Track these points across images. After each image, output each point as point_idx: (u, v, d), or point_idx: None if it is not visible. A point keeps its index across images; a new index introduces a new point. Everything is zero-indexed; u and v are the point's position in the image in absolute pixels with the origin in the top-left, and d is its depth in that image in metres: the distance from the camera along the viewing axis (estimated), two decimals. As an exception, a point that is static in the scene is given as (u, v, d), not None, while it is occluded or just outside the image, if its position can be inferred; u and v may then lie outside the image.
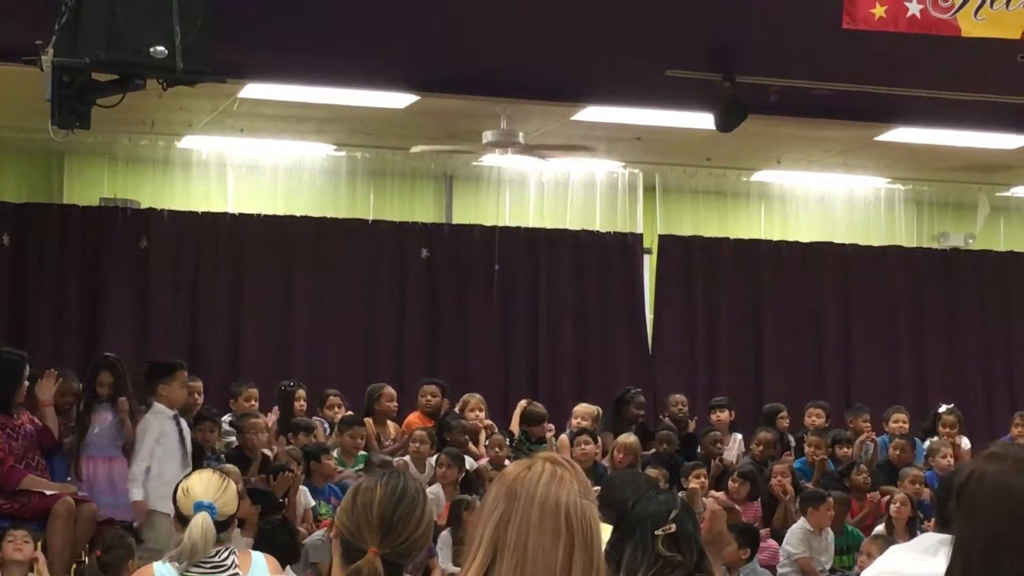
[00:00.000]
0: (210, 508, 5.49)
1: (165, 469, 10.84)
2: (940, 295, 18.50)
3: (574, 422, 13.92)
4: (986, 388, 18.42)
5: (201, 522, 5.42)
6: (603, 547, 3.19)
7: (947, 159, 16.64)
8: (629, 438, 13.51)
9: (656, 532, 4.70)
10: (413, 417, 13.84)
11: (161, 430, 11.14)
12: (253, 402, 13.23)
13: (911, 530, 11.76)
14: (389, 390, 13.87)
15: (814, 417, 14.90)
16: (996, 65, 12.37)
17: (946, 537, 4.07)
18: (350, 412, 13.55)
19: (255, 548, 6.16)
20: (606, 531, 5.12)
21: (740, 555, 11.61)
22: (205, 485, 5.62)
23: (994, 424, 16.90)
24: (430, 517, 3.94)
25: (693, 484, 12.65)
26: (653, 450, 13.95)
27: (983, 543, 3.04)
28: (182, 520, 5.55)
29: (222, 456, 12.08)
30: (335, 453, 12.74)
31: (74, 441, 11.42)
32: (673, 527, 4.71)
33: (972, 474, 3.14)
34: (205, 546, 5.40)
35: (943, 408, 15.21)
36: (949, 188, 18.37)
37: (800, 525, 12.64)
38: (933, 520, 4.32)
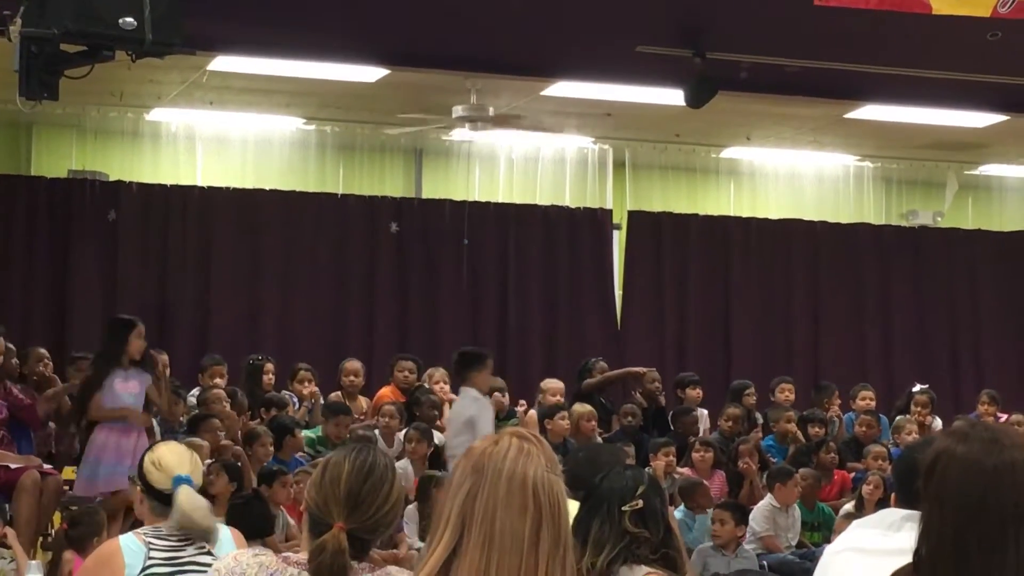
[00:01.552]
0: (189, 480, 5.46)
1: None
2: (908, 273, 18.56)
3: (549, 399, 13.89)
4: (953, 366, 18.50)
5: (188, 496, 5.38)
6: (570, 522, 3.20)
7: (916, 137, 16.68)
8: (583, 407, 13.53)
9: (623, 508, 4.71)
10: (385, 391, 13.82)
11: (476, 414, 11.53)
12: (221, 378, 13.20)
13: (881, 509, 11.77)
14: (350, 364, 13.83)
15: (787, 393, 14.94)
16: (966, 43, 12.42)
17: (909, 513, 4.10)
18: (316, 389, 13.52)
19: (228, 524, 6.11)
20: (573, 507, 5.15)
21: (736, 533, 11.63)
22: (178, 457, 5.58)
23: (960, 402, 16.99)
24: (399, 493, 3.94)
25: (661, 462, 12.67)
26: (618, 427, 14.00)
27: (952, 526, 3.02)
28: (154, 494, 5.49)
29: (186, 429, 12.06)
30: (314, 432, 12.72)
31: (68, 407, 11.47)
32: (640, 503, 4.72)
33: (940, 455, 3.10)
34: (201, 517, 5.36)
35: (917, 388, 15.27)
36: (918, 166, 18.43)
37: (767, 502, 12.67)
38: (893, 495, 4.32)
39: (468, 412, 11.64)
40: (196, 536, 5.34)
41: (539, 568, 3.08)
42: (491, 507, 3.08)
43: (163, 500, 5.42)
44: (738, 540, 11.68)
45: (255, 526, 9.44)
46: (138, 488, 5.55)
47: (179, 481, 5.41)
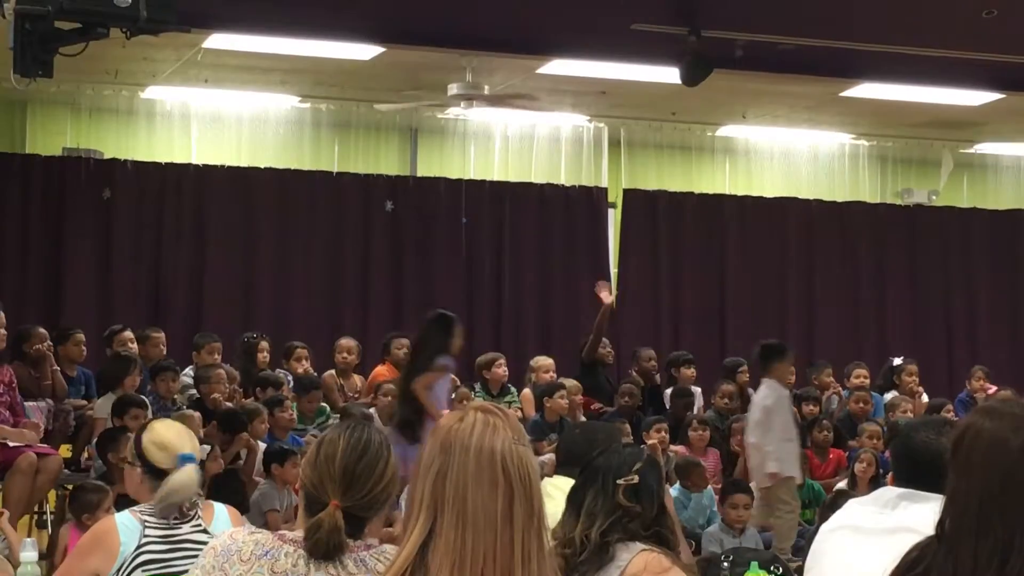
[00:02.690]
0: (192, 459, 5.45)
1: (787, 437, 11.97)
2: (903, 251, 18.57)
3: (542, 376, 13.87)
4: (947, 343, 18.52)
5: (188, 475, 5.37)
6: (542, 493, 3.19)
7: (912, 115, 16.67)
8: (569, 381, 13.54)
9: (618, 481, 4.71)
10: (382, 369, 13.80)
11: (773, 404, 11.96)
12: (217, 355, 13.19)
13: (874, 487, 11.79)
14: (345, 342, 13.82)
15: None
16: (961, 21, 12.40)
17: (905, 491, 4.11)
18: (309, 367, 13.53)
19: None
20: (567, 483, 5.14)
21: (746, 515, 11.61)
22: (179, 436, 5.56)
23: (954, 379, 17.02)
24: (394, 471, 3.93)
25: (653, 438, 12.66)
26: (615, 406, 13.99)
27: (977, 500, 3.04)
28: (156, 473, 5.47)
29: (182, 408, 12.04)
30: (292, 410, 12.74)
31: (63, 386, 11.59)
32: (636, 478, 4.72)
33: (968, 429, 3.14)
34: (187, 495, 5.35)
35: (898, 361, 15.28)
36: (913, 145, 18.43)
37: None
38: (891, 475, 4.33)
39: (766, 402, 12.04)
40: (169, 511, 5.33)
41: (514, 542, 3.07)
42: (462, 485, 3.07)
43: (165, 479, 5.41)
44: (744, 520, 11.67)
45: (227, 501, 9.45)
46: (137, 469, 5.53)
47: (185, 460, 5.41)
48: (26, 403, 11.41)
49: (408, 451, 10.87)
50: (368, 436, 3.91)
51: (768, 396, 12.09)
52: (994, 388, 14.98)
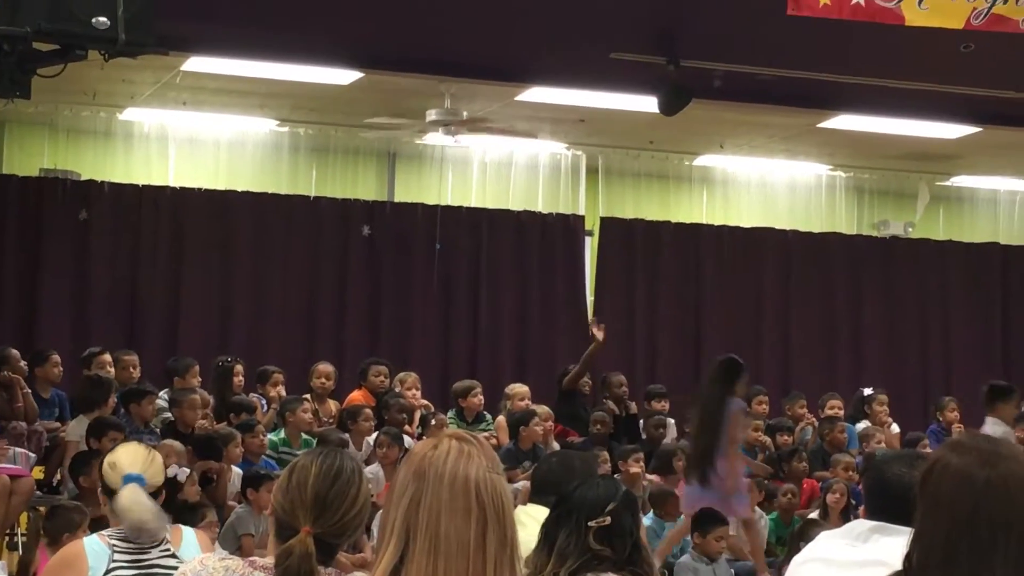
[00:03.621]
0: (139, 479, 5.43)
1: None
2: (879, 283, 18.60)
3: (517, 403, 13.86)
4: (922, 376, 18.53)
5: (130, 494, 5.35)
6: (516, 521, 3.18)
7: (889, 147, 16.72)
8: (541, 408, 13.54)
9: (590, 523, 4.68)
10: (357, 394, 13.80)
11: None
12: (197, 380, 13.17)
13: (845, 517, 11.82)
14: (322, 367, 13.82)
15: (762, 405, 14.95)
16: (939, 54, 12.45)
17: (877, 524, 4.11)
18: (282, 392, 13.51)
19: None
20: (542, 512, 5.13)
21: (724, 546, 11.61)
22: (132, 457, 5.56)
23: (929, 411, 17.02)
24: (366, 497, 3.92)
25: (633, 469, 12.64)
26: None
27: (944, 534, 3.05)
28: (109, 493, 5.48)
29: (156, 431, 12.02)
30: (281, 434, 12.70)
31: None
32: (607, 519, 4.70)
33: (936, 463, 3.15)
34: (148, 516, 5.34)
35: (869, 391, 15.32)
36: (890, 176, 18.48)
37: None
38: (863, 507, 4.33)
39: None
40: (144, 537, 5.31)
41: (486, 570, 3.06)
42: (435, 512, 3.07)
43: None
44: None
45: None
46: (99, 490, 5.53)
47: (128, 480, 5.39)
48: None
49: (703, 494, 11.02)
50: (340, 462, 3.90)
51: (994, 432, 12.05)
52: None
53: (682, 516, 11.96)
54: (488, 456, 3.18)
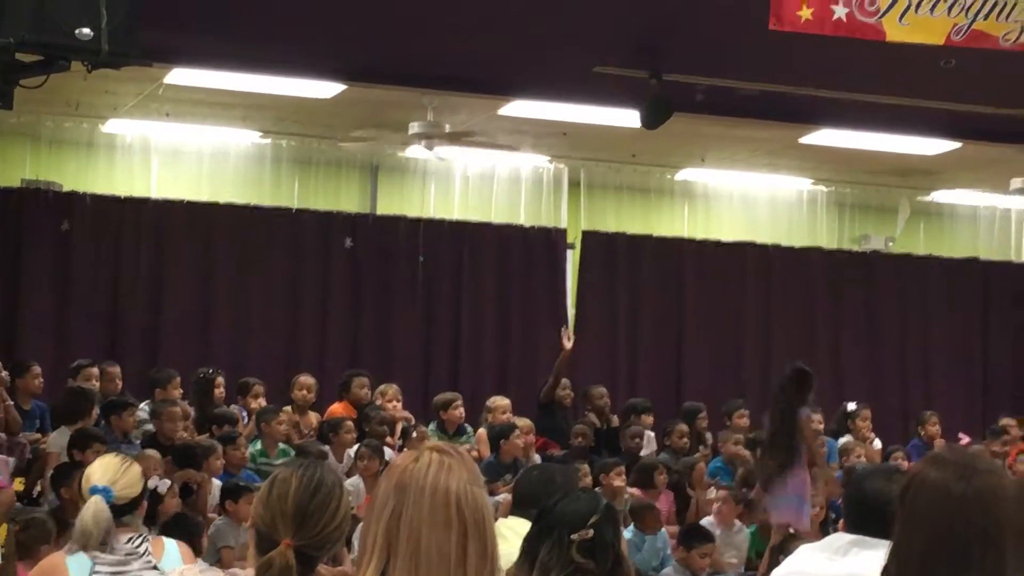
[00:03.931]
0: (105, 492, 5.41)
1: None
2: (860, 297, 18.63)
3: (499, 416, 13.87)
4: (902, 390, 18.56)
5: (92, 506, 5.34)
6: (496, 534, 3.19)
7: (870, 162, 16.76)
8: (522, 421, 13.56)
9: (572, 536, 4.68)
10: (337, 407, 13.80)
11: None
12: (178, 392, 13.16)
13: (824, 531, 11.85)
14: (304, 379, 13.82)
15: (744, 419, 14.97)
16: (920, 70, 12.49)
17: (856, 538, 4.13)
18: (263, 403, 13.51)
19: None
20: (523, 525, 5.13)
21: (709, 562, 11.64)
22: (104, 469, 5.55)
23: (909, 425, 17.05)
24: (346, 509, 3.92)
25: (616, 483, 12.65)
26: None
27: (921, 547, 3.07)
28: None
29: (136, 442, 12.01)
30: (257, 445, 12.69)
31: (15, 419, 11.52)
32: (590, 533, 4.69)
33: (914, 478, 3.17)
34: (98, 531, 5.32)
35: (852, 406, 15.34)
36: (871, 191, 18.51)
37: (708, 520, 12.68)
38: (843, 520, 4.35)
39: None
40: (91, 547, 5.30)
41: None
42: (416, 525, 3.07)
43: None
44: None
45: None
46: (80, 502, 5.53)
47: (93, 491, 5.39)
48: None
49: (783, 502, 11.11)
50: (321, 475, 3.90)
51: None
52: (966, 439, 15.07)
53: (718, 529, 12.04)
54: (469, 469, 3.19)
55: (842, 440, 14.80)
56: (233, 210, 16.41)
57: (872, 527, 4.04)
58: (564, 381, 14.57)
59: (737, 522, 12.77)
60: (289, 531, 3.78)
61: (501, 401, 14.15)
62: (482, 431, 13.87)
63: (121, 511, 5.48)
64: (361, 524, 10.17)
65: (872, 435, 15.05)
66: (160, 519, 9.83)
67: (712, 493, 13.19)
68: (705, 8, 11.49)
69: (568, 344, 14.37)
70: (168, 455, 11.48)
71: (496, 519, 3.70)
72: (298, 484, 3.85)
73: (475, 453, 13.27)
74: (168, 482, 10.49)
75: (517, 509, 6.02)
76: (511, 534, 5.19)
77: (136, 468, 5.70)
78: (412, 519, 3.08)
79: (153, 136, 16.11)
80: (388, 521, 3.10)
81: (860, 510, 4.19)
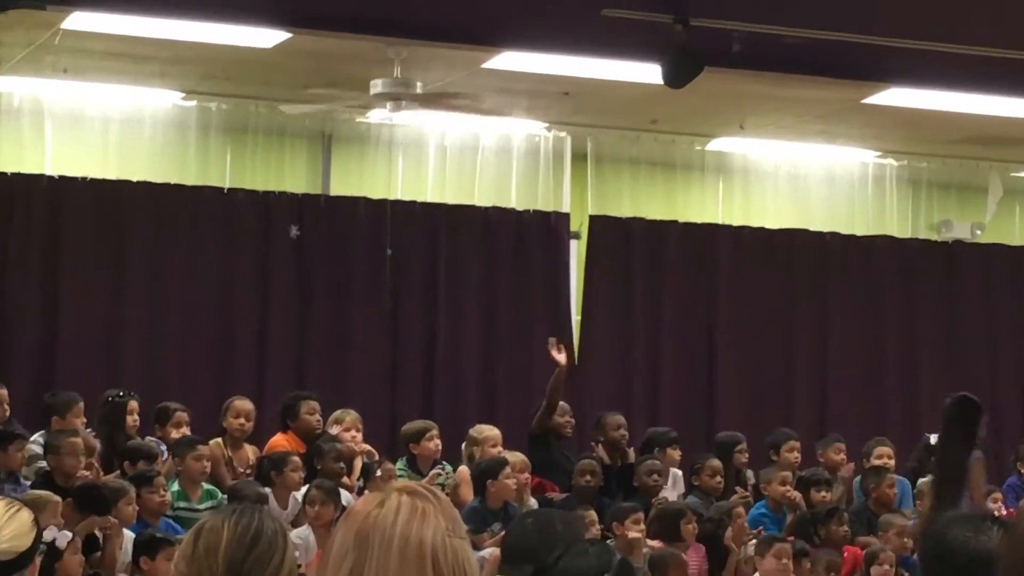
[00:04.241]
0: None
1: None
2: (939, 298, 18.64)
3: (489, 450, 13.87)
4: (993, 415, 18.53)
5: None
6: None
7: (951, 129, 16.78)
8: (515, 456, 13.57)
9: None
10: (281, 439, 13.80)
11: None
12: (82, 420, 13.15)
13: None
14: (240, 403, 13.81)
15: (794, 453, 14.99)
16: (1015, 13, 12.50)
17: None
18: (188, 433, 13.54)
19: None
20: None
21: None
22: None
23: (1002, 461, 17.08)
24: (292, 566, 3.93)
25: (633, 534, 12.66)
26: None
27: None
28: None
29: (25, 483, 12.00)
30: (174, 485, 12.69)
31: None
32: (602, 596, 4.71)
33: (1018, 529, 3.16)
34: None
35: (936, 438, 15.31)
36: (953, 166, 18.53)
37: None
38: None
39: None
40: None
41: None
42: None
43: None
44: None
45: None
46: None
47: None
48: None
49: None
50: (259, 523, 3.90)
51: None
52: None
53: None
54: (447, 515, 3.19)
55: (922, 480, 14.79)
56: (148, 190, 16.40)
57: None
58: (562, 406, 14.56)
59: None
60: (221, 593, 3.78)
61: (490, 432, 14.16)
62: (464, 469, 13.87)
63: (5, 571, 5.47)
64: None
65: (964, 478, 15.02)
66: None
67: (751, 548, 13.21)
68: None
69: (561, 359, 14.38)
70: (67, 498, 11.46)
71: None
72: (231, 535, 3.84)
73: (457, 496, 13.29)
74: (69, 534, 10.49)
75: (508, 565, 6.03)
76: (500, 599, 5.20)
77: (26, 515, 5.69)
78: (376, 579, 3.08)
79: (47, 97, 16.10)
80: (347, 581, 3.10)
81: (941, 568, 4.19)
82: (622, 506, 13.18)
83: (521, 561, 5.60)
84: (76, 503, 11.45)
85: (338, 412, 14.15)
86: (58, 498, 11.11)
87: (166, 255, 16.41)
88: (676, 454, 14.83)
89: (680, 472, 14.71)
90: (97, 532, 11.46)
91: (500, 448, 13.93)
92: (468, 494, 13.46)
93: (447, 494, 12.99)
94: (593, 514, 12.73)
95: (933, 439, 15.05)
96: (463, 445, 14.26)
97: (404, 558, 3.09)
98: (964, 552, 4.12)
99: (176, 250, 16.45)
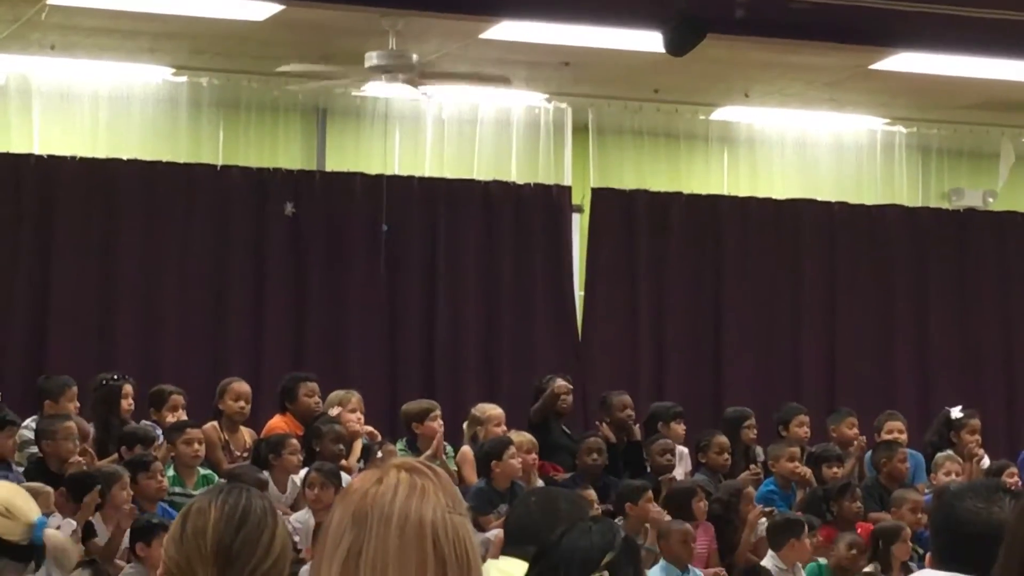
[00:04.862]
0: (46, 525, 5.49)
1: None
2: (950, 268, 18.64)
3: (492, 429, 13.87)
4: (1007, 389, 18.56)
5: (65, 541, 5.39)
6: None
7: (961, 95, 16.77)
8: (521, 436, 13.56)
9: (583, 580, 4.68)
10: (279, 420, 13.79)
11: None
12: (74, 405, 13.15)
13: (907, 569, 11.88)
14: (238, 386, 13.80)
15: (803, 428, 14.98)
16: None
17: (946, 575, 4.12)
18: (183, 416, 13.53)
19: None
20: (518, 568, 5.13)
21: None
22: (27, 499, 5.60)
23: (1016, 434, 17.08)
24: (284, 543, 3.91)
25: (654, 512, 12.66)
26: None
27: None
28: (10, 551, 5.47)
29: (17, 470, 12.00)
30: (169, 470, 12.69)
31: None
32: (606, 575, 4.69)
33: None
34: (71, 564, 5.38)
35: (957, 411, 15.30)
36: (963, 132, 18.52)
37: (769, 561, 12.70)
38: (929, 553, 4.35)
39: None
40: None
41: None
42: (380, 566, 3.06)
43: (16, 555, 5.41)
44: None
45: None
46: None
47: (41, 525, 5.42)
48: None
49: None
50: (247, 502, 3.89)
51: None
52: None
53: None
54: (447, 492, 3.17)
55: (940, 454, 14.77)
56: (139, 168, 16.41)
57: (968, 560, 4.04)
58: (560, 384, 14.53)
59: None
60: (210, 574, 3.77)
61: (493, 411, 14.15)
62: (466, 449, 13.86)
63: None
64: (309, 567, 10.17)
65: (981, 451, 15.00)
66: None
67: (763, 524, 13.21)
68: None
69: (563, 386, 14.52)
70: (61, 486, 11.47)
71: (485, 560, 3.68)
72: (218, 516, 3.84)
73: (456, 476, 13.29)
74: (73, 523, 10.52)
75: (511, 547, 6.02)
76: (503, 580, 5.19)
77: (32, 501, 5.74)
78: (375, 558, 3.07)
79: (35, 75, 16.10)
80: (344, 562, 3.09)
81: (952, 539, 4.18)
82: (633, 484, 13.18)
83: (524, 542, 5.59)
84: (70, 492, 11.45)
85: (340, 392, 14.13)
86: (50, 488, 11.10)
87: (158, 235, 16.41)
88: (680, 428, 14.81)
89: (686, 449, 14.69)
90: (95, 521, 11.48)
91: (504, 428, 13.92)
92: (471, 475, 13.46)
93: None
94: (593, 493, 12.72)
95: (954, 413, 15.09)
96: (464, 425, 14.25)
97: (403, 536, 3.08)
98: (975, 523, 4.11)
99: (169, 229, 16.45)
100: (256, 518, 3.86)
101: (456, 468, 13.67)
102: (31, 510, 5.51)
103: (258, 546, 3.84)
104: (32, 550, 5.46)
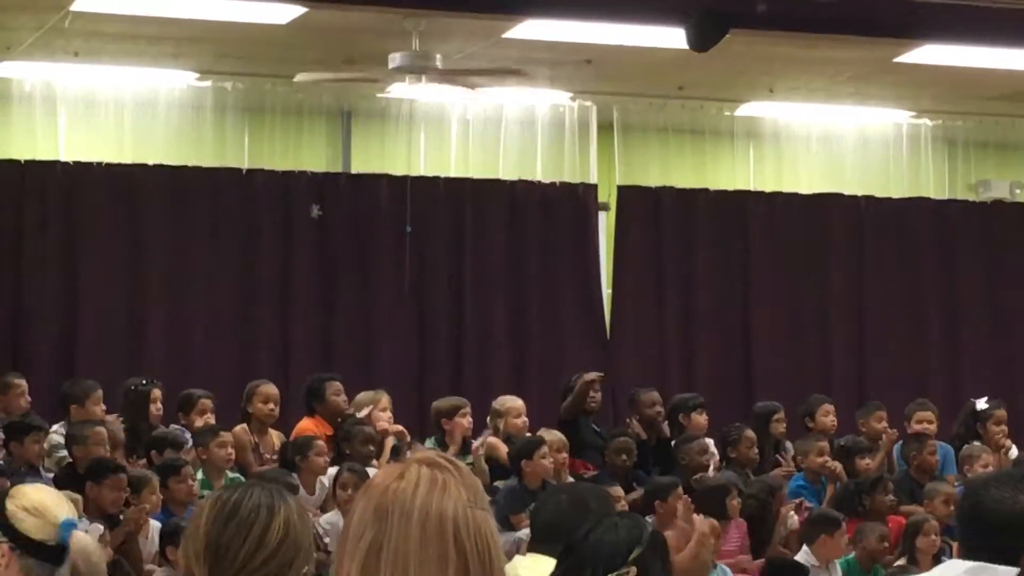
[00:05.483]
0: (75, 526, 5.48)
1: None
2: (978, 259, 18.60)
3: (515, 422, 13.90)
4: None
5: (92, 544, 5.39)
6: (507, 573, 3.17)
7: (987, 86, 16.73)
8: (551, 434, 13.55)
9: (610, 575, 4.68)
10: (308, 423, 13.80)
11: None
12: (101, 408, 13.17)
13: (937, 561, 11.86)
14: (266, 388, 13.81)
15: (829, 416, 14.96)
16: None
17: (975, 566, 4.12)
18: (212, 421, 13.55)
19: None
20: (546, 564, 5.12)
21: None
22: (58, 499, 5.59)
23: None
24: (280, 538, 3.89)
25: (673, 507, 12.63)
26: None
27: None
28: (32, 549, 5.46)
29: (49, 476, 12.01)
30: (199, 474, 12.71)
31: None
32: (632, 571, 4.69)
33: None
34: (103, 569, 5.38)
35: (982, 403, 15.28)
36: (990, 124, 18.48)
37: (803, 556, 12.68)
38: (958, 544, 4.34)
39: None
40: None
41: None
42: (401, 562, 3.05)
43: (45, 556, 5.40)
44: None
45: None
46: (3, 545, 5.51)
47: (69, 526, 5.41)
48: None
49: None
50: (240, 496, 3.89)
51: None
52: None
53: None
54: (468, 487, 3.17)
55: (967, 446, 14.75)
56: (165, 173, 16.43)
57: (996, 549, 4.03)
58: (591, 373, 14.51)
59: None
60: (203, 570, 3.78)
61: (512, 402, 14.19)
62: (493, 438, 13.86)
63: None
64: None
65: (1008, 442, 14.99)
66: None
67: (792, 519, 13.19)
68: None
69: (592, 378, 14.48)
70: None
71: (511, 555, 3.67)
72: (210, 512, 3.85)
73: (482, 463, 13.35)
74: (101, 527, 10.53)
75: (539, 544, 6.02)
76: (530, 576, 5.19)
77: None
78: (396, 553, 3.07)
79: (59, 82, 16.13)
80: (365, 556, 3.09)
81: (979, 528, 4.17)
82: (662, 481, 13.15)
83: (553, 539, 5.58)
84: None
85: (369, 393, 14.15)
86: (79, 496, 11.11)
87: (185, 239, 16.44)
88: (702, 419, 14.78)
89: (711, 441, 14.65)
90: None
91: (524, 418, 13.96)
92: (502, 455, 13.51)
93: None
94: (620, 490, 12.70)
95: (979, 404, 15.06)
96: (487, 419, 14.27)
97: (425, 531, 3.08)
98: (1001, 512, 4.10)
99: (195, 234, 16.48)
100: (246, 512, 3.86)
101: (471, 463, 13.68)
102: (61, 511, 5.51)
103: (247, 540, 3.83)
104: (62, 552, 5.46)
